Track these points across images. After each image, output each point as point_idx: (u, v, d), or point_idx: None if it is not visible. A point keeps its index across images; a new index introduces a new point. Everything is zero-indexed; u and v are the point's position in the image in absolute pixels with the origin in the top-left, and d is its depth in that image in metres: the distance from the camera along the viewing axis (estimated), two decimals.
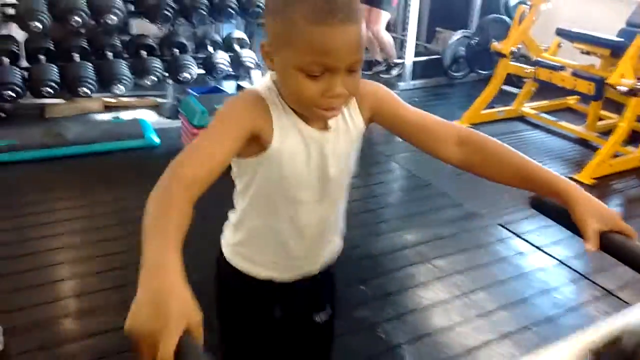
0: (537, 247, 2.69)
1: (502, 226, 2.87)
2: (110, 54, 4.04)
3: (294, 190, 1.05)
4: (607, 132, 3.87)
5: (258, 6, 4.41)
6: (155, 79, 4.09)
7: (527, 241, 2.75)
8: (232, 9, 4.29)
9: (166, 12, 4.03)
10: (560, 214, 0.95)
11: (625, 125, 3.53)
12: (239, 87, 4.65)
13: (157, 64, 4.10)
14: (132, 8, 4.05)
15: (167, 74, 4.17)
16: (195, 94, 3.74)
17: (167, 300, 0.66)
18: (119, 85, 3.90)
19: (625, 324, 0.69)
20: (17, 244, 2.53)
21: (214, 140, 0.93)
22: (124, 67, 3.97)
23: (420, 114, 1.09)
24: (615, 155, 3.63)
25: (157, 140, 3.65)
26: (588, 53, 4.06)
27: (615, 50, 3.75)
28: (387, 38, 5.14)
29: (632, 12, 3.99)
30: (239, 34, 4.62)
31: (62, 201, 2.94)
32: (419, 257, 2.57)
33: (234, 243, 1.15)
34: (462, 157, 1.05)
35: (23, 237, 2.58)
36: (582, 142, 4.09)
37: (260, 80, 1.06)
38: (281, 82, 0.99)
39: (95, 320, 2.08)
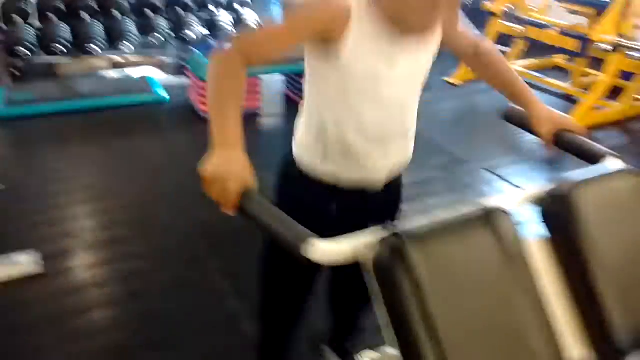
0: (517, 187, 2.96)
1: (487, 170, 3.13)
2: (117, 13, 4.20)
3: (361, 89, 1.11)
4: (590, 88, 4.09)
5: None
6: (161, 37, 4.26)
7: (508, 182, 3.02)
8: None
9: None
10: (523, 121, 1.20)
11: (607, 79, 3.75)
12: None
13: (162, 22, 4.27)
14: None
15: (172, 33, 4.34)
16: (198, 50, 3.92)
17: (235, 162, 0.92)
18: (126, 42, 4.08)
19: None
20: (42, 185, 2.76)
21: (283, 35, 1.06)
22: (130, 26, 4.13)
23: (462, 27, 1.26)
24: (598, 108, 3.85)
25: (166, 95, 3.85)
26: (575, 12, 4.24)
27: (600, 10, 3.94)
28: None
29: None
30: None
31: (80, 149, 3.16)
32: (413, 195, 2.81)
33: (303, 144, 1.23)
34: (473, 64, 1.34)
35: (46, 181, 2.82)
36: (568, 98, 4.29)
37: None
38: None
39: (119, 249, 2.33)
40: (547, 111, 1.18)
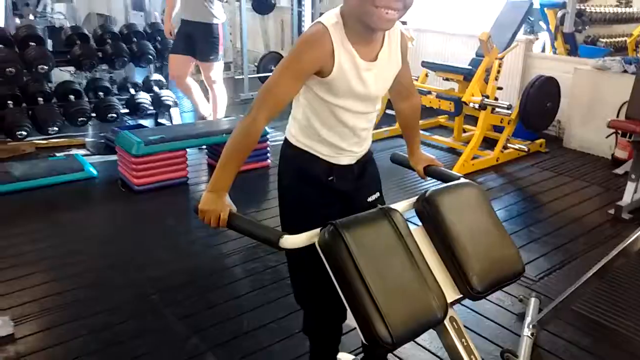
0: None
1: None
2: (41, 100, 4.49)
3: (346, 103, 1.48)
4: (469, 141, 4.86)
5: None
6: (85, 119, 4.59)
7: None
8: (151, 54, 4.91)
9: (92, 60, 4.56)
10: (404, 162, 1.76)
11: (479, 133, 4.52)
12: (158, 124, 5.22)
13: (85, 105, 4.60)
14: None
15: (94, 115, 4.67)
16: (121, 130, 4.26)
17: (217, 202, 1.38)
18: (53, 127, 4.36)
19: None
20: None
21: (284, 84, 1.39)
22: (55, 111, 4.43)
23: (409, 73, 1.69)
24: (475, 157, 4.59)
25: (94, 172, 4.14)
26: (448, 79, 5.07)
27: (467, 76, 4.77)
28: (221, 92, 4.81)
29: (479, 46, 5.04)
30: (157, 76, 5.20)
31: (22, 228, 3.37)
32: None
33: (295, 135, 1.59)
34: (401, 112, 1.77)
35: None
36: (452, 150, 5.05)
37: (329, 15, 1.43)
38: (350, 1, 1.36)
39: (83, 308, 2.59)
40: (420, 154, 1.75)
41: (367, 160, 1.69)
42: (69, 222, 3.48)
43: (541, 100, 4.54)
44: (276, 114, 1.43)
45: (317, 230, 1.24)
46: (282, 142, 1.68)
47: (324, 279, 1.55)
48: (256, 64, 7.29)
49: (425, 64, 5.19)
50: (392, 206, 1.35)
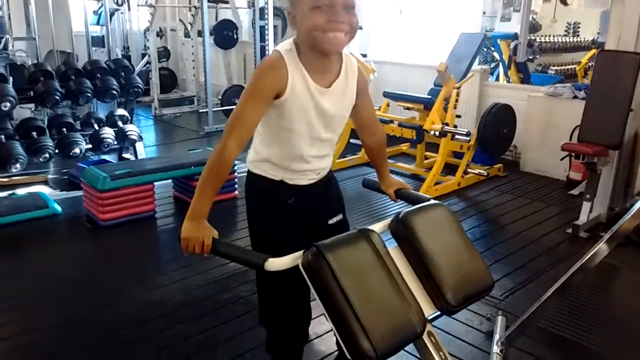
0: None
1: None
2: (3, 137, 4.42)
3: (298, 127, 1.55)
4: (432, 168, 5.00)
5: (136, 86, 5.09)
6: (48, 156, 4.53)
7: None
8: (115, 90, 4.92)
9: (56, 97, 4.54)
10: (375, 187, 1.83)
11: (440, 159, 4.66)
12: (122, 159, 5.19)
13: (48, 142, 4.55)
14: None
15: (57, 151, 4.62)
16: (84, 165, 4.24)
17: (197, 229, 1.41)
18: (16, 164, 4.29)
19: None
20: None
21: (249, 110, 1.47)
22: (18, 148, 4.36)
23: (371, 108, 1.78)
24: (438, 183, 4.73)
25: (58, 208, 4.08)
26: (409, 108, 5.24)
27: (427, 105, 4.94)
28: None
29: (437, 76, 5.23)
30: (121, 111, 5.19)
31: None
32: None
33: (255, 161, 1.69)
34: (367, 145, 1.85)
35: None
36: (415, 177, 5.18)
37: (283, 43, 1.54)
38: (302, 29, 1.45)
39: (56, 346, 2.54)
40: (390, 178, 1.84)
41: (327, 180, 1.77)
42: (34, 260, 3.42)
43: (498, 126, 4.74)
44: (246, 139, 1.51)
45: (301, 252, 1.29)
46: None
47: (293, 300, 1.60)
48: (220, 97, 7.36)
49: (386, 94, 5.35)
50: (370, 227, 1.41)
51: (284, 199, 1.68)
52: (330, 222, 1.78)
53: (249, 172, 1.74)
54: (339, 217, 1.80)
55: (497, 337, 2.52)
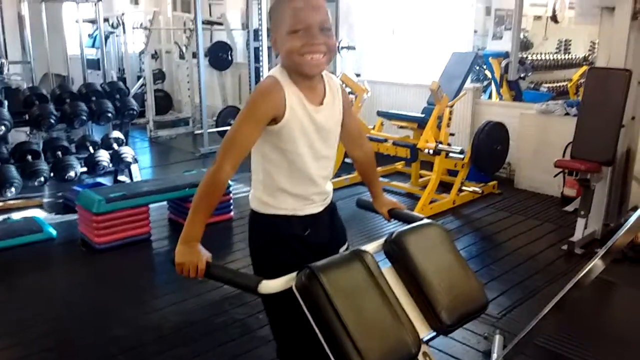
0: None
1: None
2: None
3: (301, 146, 1.55)
4: (426, 186, 5.01)
5: (131, 109, 5.12)
6: (43, 179, 4.53)
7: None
8: (110, 112, 4.94)
9: (51, 120, 4.55)
10: (369, 206, 1.82)
11: (435, 177, 4.68)
12: (117, 181, 5.19)
13: (43, 165, 4.55)
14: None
15: (52, 175, 4.61)
16: (79, 189, 4.23)
17: (190, 253, 1.40)
18: (11, 188, 4.28)
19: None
20: None
21: (244, 132, 1.47)
22: (13, 172, 4.36)
23: (357, 120, 1.78)
24: (433, 201, 4.74)
25: (54, 232, 4.07)
26: (403, 127, 5.26)
27: (421, 123, 4.97)
28: None
29: (430, 95, 5.27)
30: (116, 133, 5.20)
31: None
32: None
33: (262, 200, 1.62)
34: (356, 159, 1.84)
35: None
36: (410, 195, 5.19)
37: (275, 69, 1.56)
38: (282, 53, 1.48)
39: None
40: (383, 198, 1.83)
41: (333, 209, 1.77)
42: (29, 284, 3.40)
43: (491, 144, 4.77)
44: (239, 161, 1.50)
45: (294, 274, 1.29)
46: (244, 196, 1.73)
47: (308, 331, 1.57)
48: (215, 118, 7.38)
49: (380, 113, 5.38)
50: (363, 248, 1.41)
51: (300, 232, 1.63)
52: (341, 250, 1.77)
53: (254, 214, 1.68)
54: (345, 246, 1.80)
55: (494, 356, 2.51)
